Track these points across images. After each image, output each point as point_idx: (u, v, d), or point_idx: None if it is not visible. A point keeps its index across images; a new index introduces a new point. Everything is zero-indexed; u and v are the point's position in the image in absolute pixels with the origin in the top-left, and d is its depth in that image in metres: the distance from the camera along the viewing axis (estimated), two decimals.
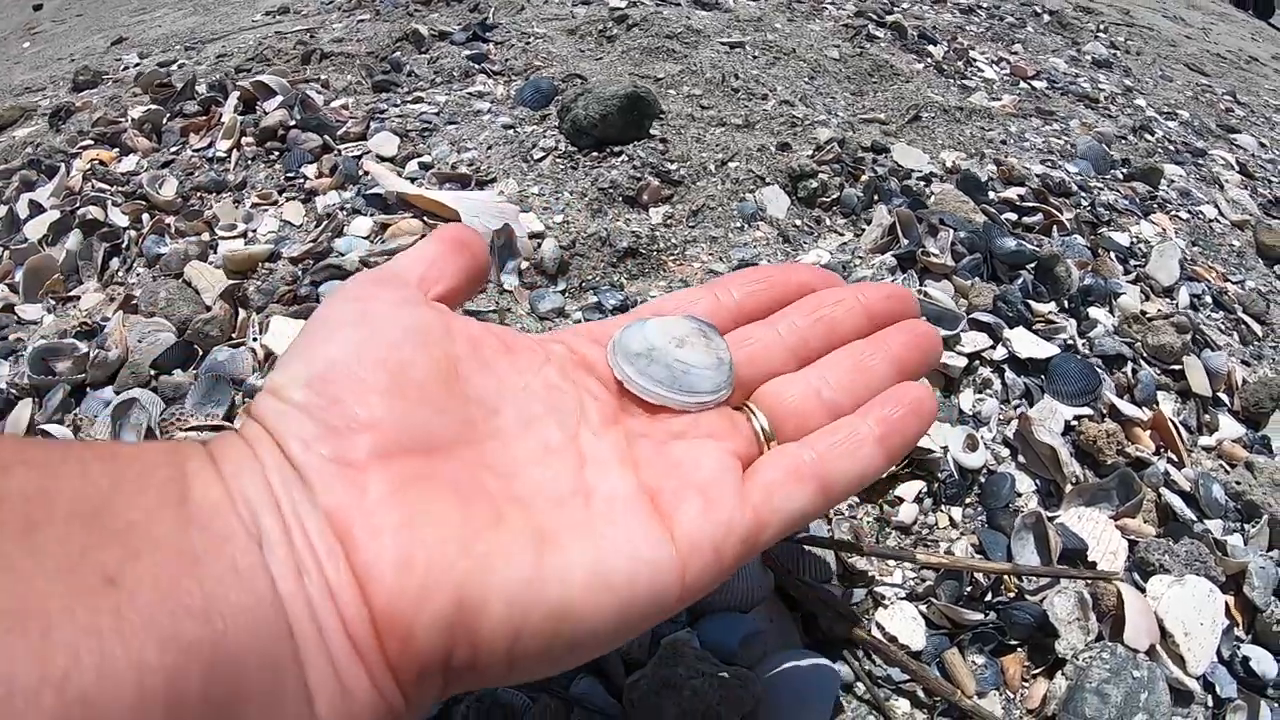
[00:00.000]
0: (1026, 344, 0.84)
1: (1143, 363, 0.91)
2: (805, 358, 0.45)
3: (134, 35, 2.30)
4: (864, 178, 1.13)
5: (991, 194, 1.14)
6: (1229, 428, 0.90)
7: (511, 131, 1.29)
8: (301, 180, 1.17)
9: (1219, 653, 0.66)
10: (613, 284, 1.00)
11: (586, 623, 0.31)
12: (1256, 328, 1.14)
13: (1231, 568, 0.71)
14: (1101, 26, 2.56)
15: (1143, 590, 0.67)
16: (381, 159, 1.23)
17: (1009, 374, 0.83)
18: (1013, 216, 1.10)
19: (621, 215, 1.09)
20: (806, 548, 0.63)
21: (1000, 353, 0.84)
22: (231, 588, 0.25)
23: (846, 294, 0.46)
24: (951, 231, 0.96)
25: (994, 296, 0.89)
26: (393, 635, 0.29)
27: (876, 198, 1.08)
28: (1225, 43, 3.33)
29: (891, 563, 0.66)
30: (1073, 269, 0.96)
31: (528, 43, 1.66)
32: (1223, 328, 1.10)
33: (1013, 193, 1.15)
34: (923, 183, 1.16)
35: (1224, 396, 0.95)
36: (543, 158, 1.22)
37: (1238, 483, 0.81)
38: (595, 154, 1.19)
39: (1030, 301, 0.91)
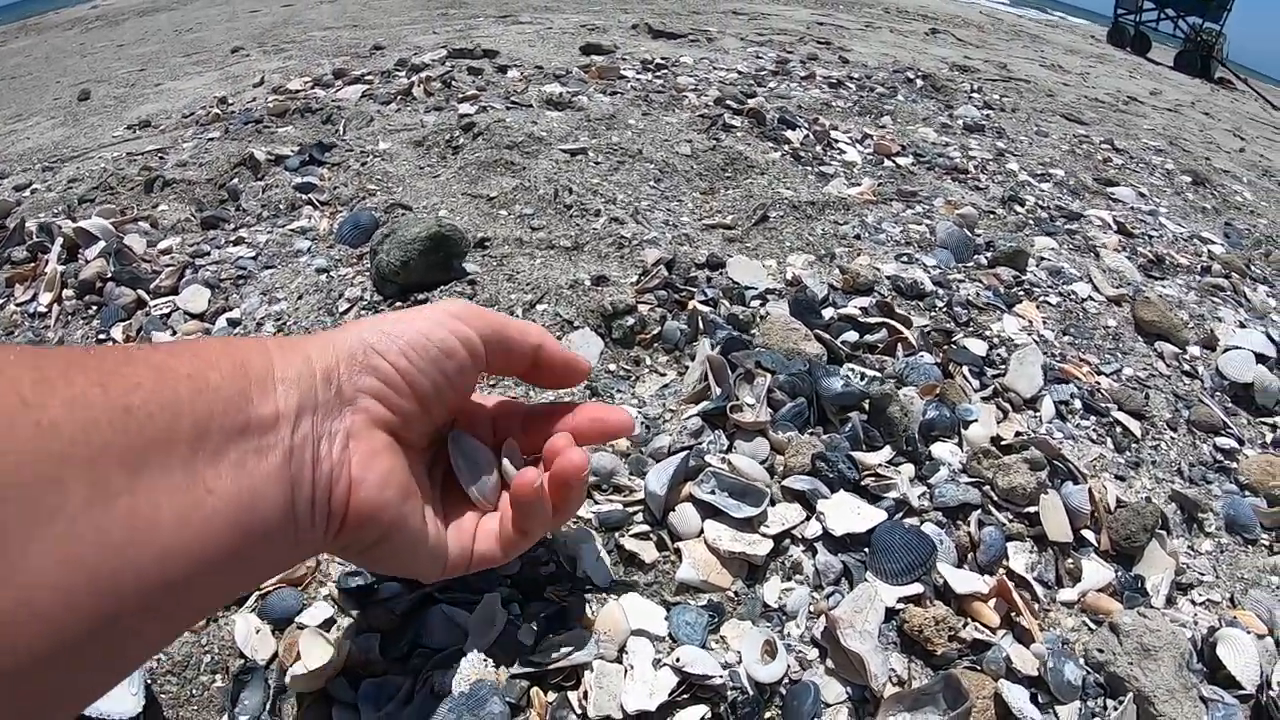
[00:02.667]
0: (844, 516, 0.73)
1: (992, 509, 0.81)
2: None
3: (2, 148, 2.25)
4: (690, 306, 1.02)
5: (830, 311, 1.04)
6: (1094, 574, 0.80)
7: (324, 277, 1.19)
8: (110, 343, 1.12)
9: None
10: None
11: (415, 569, 0.55)
12: (1135, 426, 1.04)
13: None
14: (976, 86, 2.53)
15: None
16: (190, 315, 1.16)
17: (822, 554, 0.71)
18: (853, 336, 1.00)
19: None
20: None
21: (815, 528, 0.73)
22: (263, 470, 0.42)
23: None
24: (769, 376, 0.86)
25: (813, 455, 0.78)
26: (356, 519, 0.47)
27: (701, 329, 0.97)
28: (1104, 85, 3.34)
29: None
30: (911, 404, 0.86)
31: (364, 163, 1.57)
32: (1094, 437, 1.01)
33: (855, 306, 1.05)
34: (758, 301, 1.06)
35: (1089, 534, 0.84)
36: (348, 309, 1.11)
37: (1100, 651, 0.71)
38: (399, 303, 1.09)
39: (857, 454, 0.80)
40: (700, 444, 0.79)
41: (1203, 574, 0.88)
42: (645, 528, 0.74)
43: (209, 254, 1.30)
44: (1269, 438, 1.14)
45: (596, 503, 0.76)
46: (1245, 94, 6.88)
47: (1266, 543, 0.96)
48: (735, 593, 0.69)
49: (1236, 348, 1.26)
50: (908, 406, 0.84)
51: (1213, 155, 2.91)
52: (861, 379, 0.92)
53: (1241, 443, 1.10)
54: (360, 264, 1.20)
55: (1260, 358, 1.25)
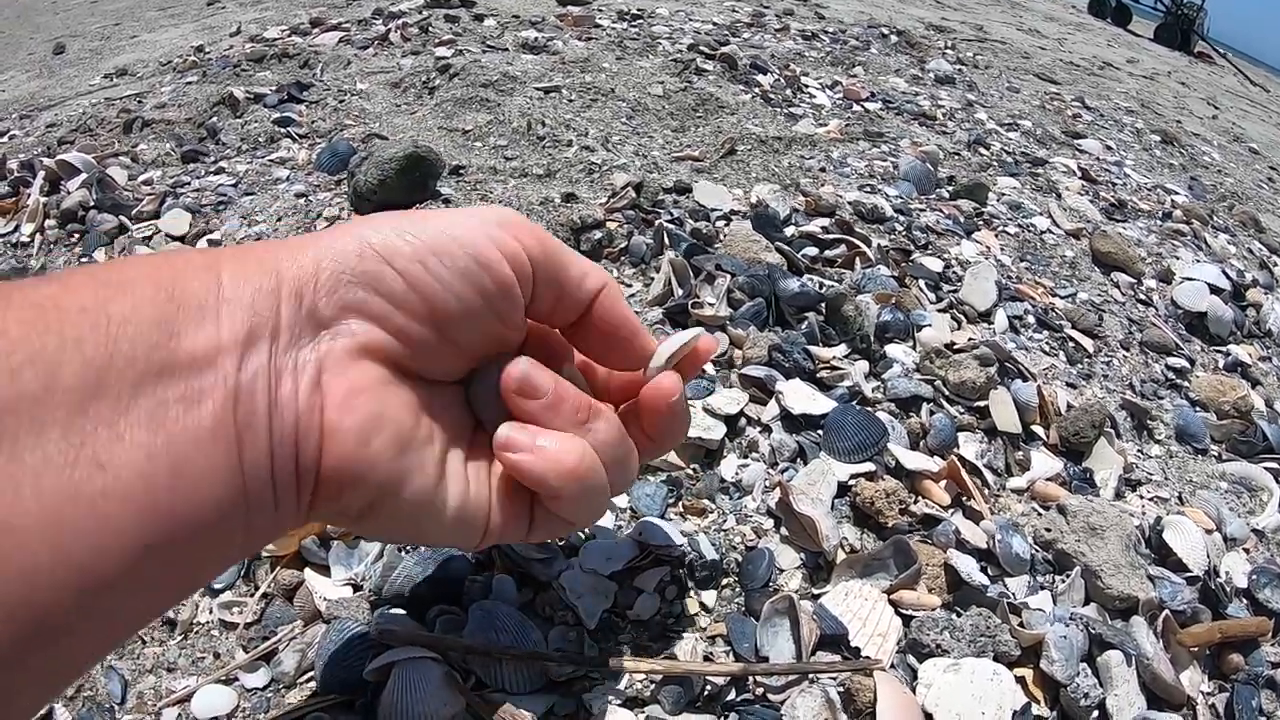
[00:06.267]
0: (801, 398, 0.76)
1: (943, 403, 0.84)
2: None
3: None
4: (656, 224, 1.04)
5: (791, 229, 1.07)
6: (1043, 464, 0.83)
7: (303, 200, 1.21)
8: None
9: None
10: None
11: (434, 538, 0.44)
12: (1087, 343, 1.08)
13: (1027, 639, 0.62)
14: (950, 44, 2.55)
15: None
16: (171, 238, 1.18)
17: (777, 434, 0.74)
18: (814, 251, 1.03)
19: None
20: (506, 658, 0.54)
21: (773, 410, 0.76)
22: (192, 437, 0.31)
23: None
24: (729, 277, 0.88)
25: (770, 346, 0.81)
26: (333, 482, 0.36)
27: (666, 244, 1.00)
28: (1080, 51, 3.38)
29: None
30: (867, 306, 0.89)
31: (341, 101, 1.58)
32: (1046, 349, 1.04)
33: (816, 225, 1.08)
34: (722, 221, 1.09)
35: (1039, 430, 0.88)
36: (326, 228, 1.13)
37: (1048, 530, 0.74)
38: None
39: (813, 348, 0.83)
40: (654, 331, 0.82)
41: (1151, 474, 0.91)
42: None
43: (189, 183, 1.31)
44: (1221, 363, 1.18)
45: None
46: (1224, 68, 6.94)
47: (1216, 453, 1.00)
48: (693, 469, 0.72)
49: (1191, 279, 1.30)
50: (862, 308, 0.87)
51: (1185, 119, 2.95)
52: (820, 287, 0.95)
53: (1193, 363, 1.14)
54: (338, 188, 1.22)
55: (1214, 289, 1.28)
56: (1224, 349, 1.22)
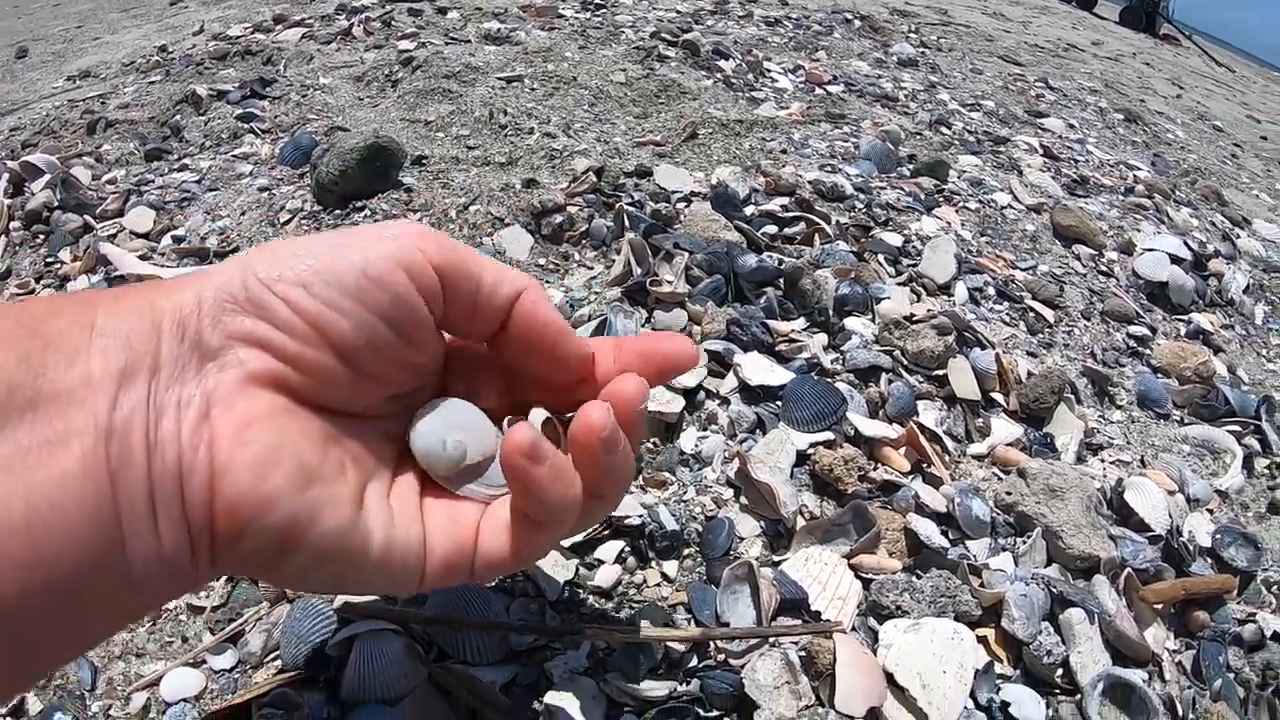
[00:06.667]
0: (759, 370, 0.76)
1: (902, 372, 0.85)
2: None
3: None
4: (616, 207, 1.05)
5: (750, 208, 1.08)
6: (1003, 430, 0.84)
7: (267, 194, 1.21)
8: (59, 265, 1.13)
9: (975, 699, 0.58)
10: None
11: (363, 582, 0.39)
12: (1048, 313, 1.09)
13: (987, 599, 0.63)
14: (914, 28, 2.56)
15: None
16: (136, 235, 1.17)
17: (735, 405, 0.75)
18: (773, 229, 1.04)
19: None
20: (468, 627, 0.54)
21: (731, 383, 0.76)
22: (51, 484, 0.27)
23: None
24: (687, 255, 0.89)
25: (728, 321, 0.81)
26: (229, 526, 0.32)
27: (627, 225, 1.00)
28: (1045, 34, 3.40)
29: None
30: (826, 280, 0.89)
31: (304, 95, 1.58)
32: (1008, 319, 1.05)
33: (776, 204, 1.09)
34: (683, 203, 1.09)
35: (998, 397, 0.89)
36: (289, 220, 1.13)
37: (1008, 493, 0.75)
38: (339, 211, 1.12)
39: (771, 322, 0.83)
40: (628, 315, 0.82)
41: (1113, 438, 0.92)
42: None
43: (153, 181, 1.31)
44: (1183, 331, 1.20)
45: None
46: (1189, 50, 6.99)
47: (1178, 418, 1.01)
48: (654, 443, 0.72)
49: (1152, 250, 1.32)
50: (820, 282, 0.88)
51: (1149, 99, 2.98)
52: (779, 263, 0.95)
53: (1154, 331, 1.15)
54: (301, 181, 1.22)
55: (1175, 259, 1.30)
56: (1185, 317, 1.24)
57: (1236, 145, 2.76)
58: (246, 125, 1.46)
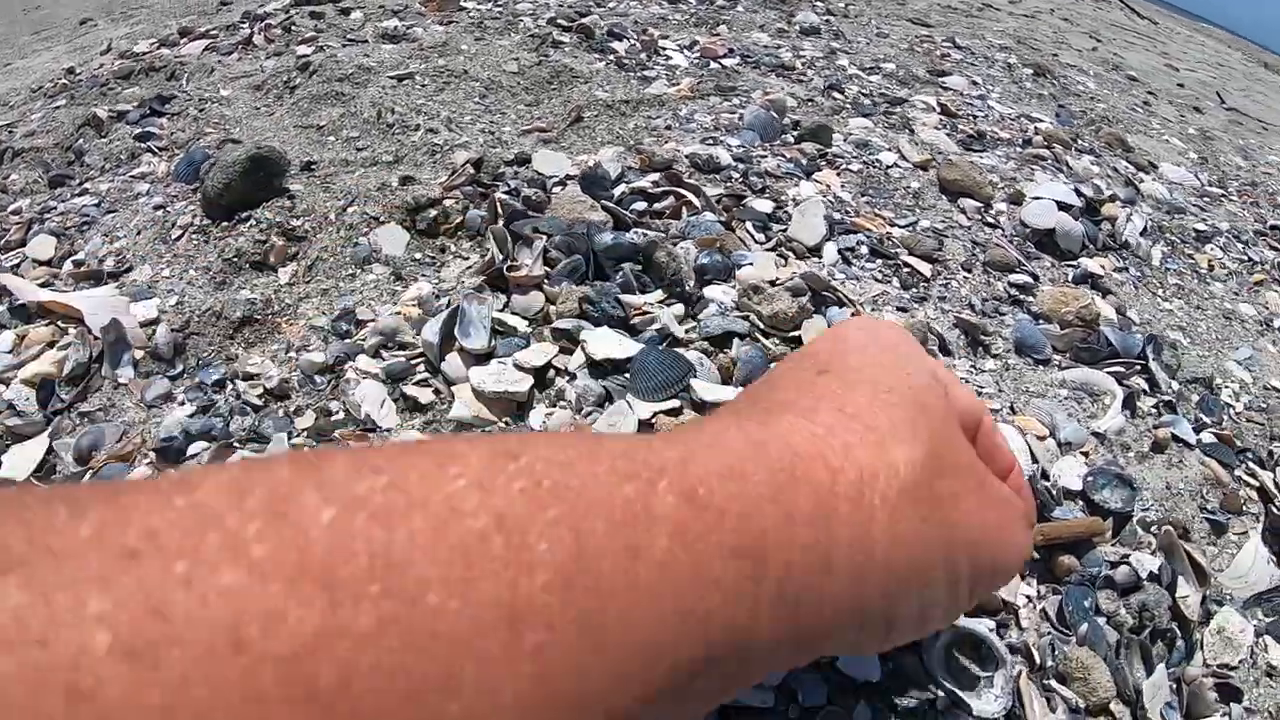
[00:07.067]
0: (606, 345, 0.79)
1: (758, 337, 0.87)
2: None
3: None
4: (491, 196, 1.07)
5: (622, 187, 1.09)
6: None
7: (161, 212, 1.23)
8: None
9: None
10: (227, 357, 0.93)
11: None
12: (924, 268, 1.11)
13: None
14: None
15: None
16: (38, 263, 1.19)
17: (582, 380, 0.77)
18: (643, 205, 1.06)
19: (250, 282, 1.04)
20: None
21: (579, 359, 0.79)
22: None
23: None
24: (544, 239, 0.91)
25: (579, 299, 0.83)
26: None
27: (500, 214, 1.02)
28: None
29: None
30: (687, 252, 0.92)
31: (202, 109, 1.58)
32: (879, 276, 1.07)
33: (648, 181, 1.11)
34: (559, 187, 1.11)
35: None
36: (180, 236, 1.15)
37: None
38: (226, 223, 1.13)
39: (626, 297, 0.85)
40: (466, 298, 0.84)
41: (983, 386, 0.94)
42: (425, 375, 0.79)
43: (55, 208, 1.32)
44: (1071, 276, 1.22)
45: (384, 358, 0.81)
46: (1110, 3, 7.05)
47: (1058, 362, 1.03)
48: (506, 422, 0.74)
49: (1039, 198, 1.34)
50: (676, 254, 0.90)
51: (1062, 53, 3.01)
52: (644, 238, 0.97)
53: (1037, 279, 1.17)
54: (194, 196, 1.24)
55: (1064, 206, 1.32)
56: (1075, 263, 1.26)
57: (1150, 93, 2.80)
58: (144, 145, 1.47)
